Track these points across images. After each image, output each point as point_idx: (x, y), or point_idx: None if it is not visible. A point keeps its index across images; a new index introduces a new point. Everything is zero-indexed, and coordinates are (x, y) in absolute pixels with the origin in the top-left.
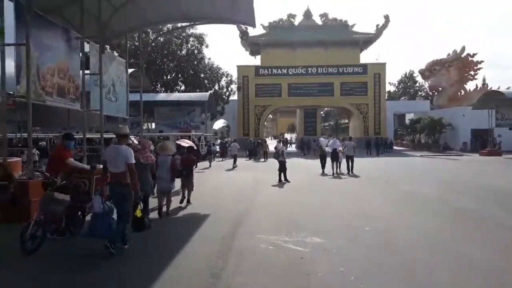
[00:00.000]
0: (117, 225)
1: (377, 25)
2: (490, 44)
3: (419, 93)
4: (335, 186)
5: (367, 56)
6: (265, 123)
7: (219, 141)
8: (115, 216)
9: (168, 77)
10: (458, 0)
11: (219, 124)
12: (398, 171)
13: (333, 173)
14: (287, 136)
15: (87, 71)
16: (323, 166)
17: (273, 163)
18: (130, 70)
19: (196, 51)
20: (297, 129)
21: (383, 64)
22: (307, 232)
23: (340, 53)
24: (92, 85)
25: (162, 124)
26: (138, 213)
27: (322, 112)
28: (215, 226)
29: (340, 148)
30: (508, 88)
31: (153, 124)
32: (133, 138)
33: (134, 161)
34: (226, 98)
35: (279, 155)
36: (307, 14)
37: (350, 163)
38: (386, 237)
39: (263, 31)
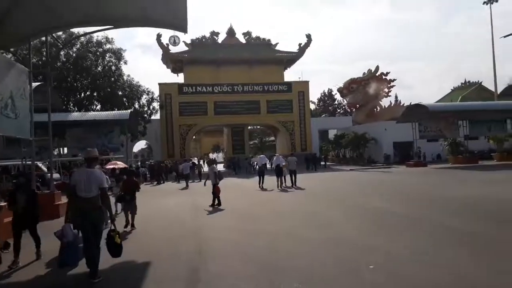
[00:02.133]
0: (94, 251)
1: (300, 44)
2: (393, 66)
3: (338, 110)
4: (287, 205)
5: (289, 74)
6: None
7: (139, 163)
8: (81, 244)
9: (82, 95)
10: (367, 23)
11: (139, 146)
12: (341, 185)
13: (278, 186)
14: (212, 155)
15: None
16: (261, 181)
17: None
18: (34, 84)
19: (113, 67)
20: (225, 148)
21: (307, 82)
22: (296, 280)
23: (264, 71)
24: None
25: (75, 147)
26: (118, 239)
27: None
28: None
29: (284, 164)
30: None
31: (65, 149)
32: (40, 164)
33: (107, 186)
34: (147, 117)
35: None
36: (231, 32)
37: (293, 177)
38: (399, 277)
39: (185, 48)
